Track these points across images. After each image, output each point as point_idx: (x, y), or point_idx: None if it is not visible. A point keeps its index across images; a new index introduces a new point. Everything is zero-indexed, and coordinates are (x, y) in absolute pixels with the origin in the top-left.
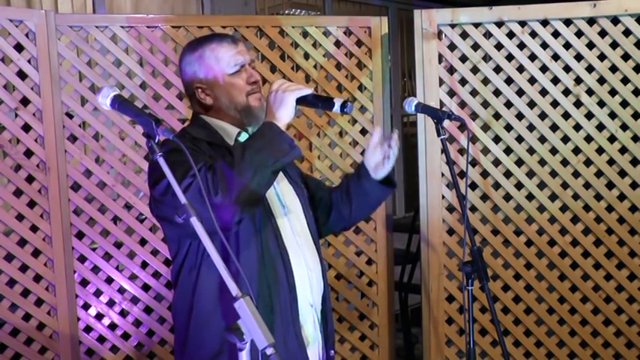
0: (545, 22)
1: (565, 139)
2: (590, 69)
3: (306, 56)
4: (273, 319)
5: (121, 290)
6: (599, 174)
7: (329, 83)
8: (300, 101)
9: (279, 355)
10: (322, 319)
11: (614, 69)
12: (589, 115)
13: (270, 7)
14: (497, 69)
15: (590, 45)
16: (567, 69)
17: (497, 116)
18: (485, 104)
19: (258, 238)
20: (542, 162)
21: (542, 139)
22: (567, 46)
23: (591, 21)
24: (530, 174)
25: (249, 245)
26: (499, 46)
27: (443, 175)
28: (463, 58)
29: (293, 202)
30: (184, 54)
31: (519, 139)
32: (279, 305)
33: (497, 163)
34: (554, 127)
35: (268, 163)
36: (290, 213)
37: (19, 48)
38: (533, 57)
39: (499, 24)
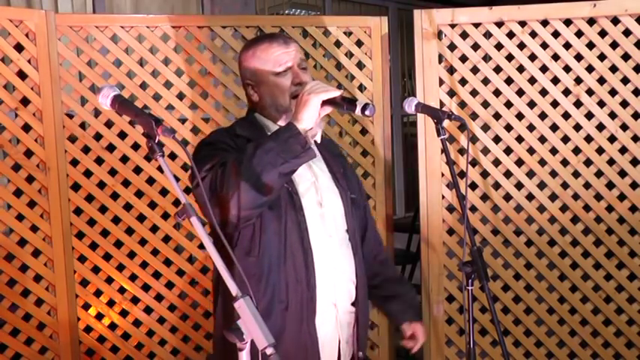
0: (545, 22)
1: (565, 139)
2: (590, 69)
3: (306, 56)
4: (286, 314)
5: (121, 290)
6: (599, 174)
7: (329, 83)
8: (329, 103)
9: (279, 355)
10: (354, 320)
11: (614, 69)
12: (589, 115)
13: (270, 7)
14: (497, 69)
15: (590, 45)
16: (567, 69)
17: (497, 116)
18: (485, 104)
19: (282, 234)
20: (542, 162)
21: (542, 139)
22: (567, 46)
23: (591, 21)
24: (530, 174)
25: (272, 239)
26: (499, 46)
27: (443, 175)
28: (463, 58)
29: (333, 203)
30: (242, 51)
31: (519, 139)
32: (295, 301)
33: (497, 163)
34: (554, 127)
35: (277, 164)
36: (327, 213)
37: (19, 48)
38: (533, 57)
39: (499, 24)
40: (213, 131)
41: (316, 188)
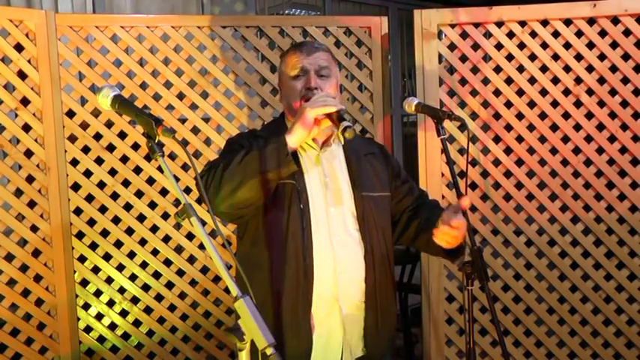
0: (545, 22)
1: (565, 139)
2: (590, 69)
3: None
4: (281, 302)
5: (121, 290)
6: (599, 174)
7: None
8: (329, 117)
9: (279, 354)
10: (364, 316)
11: (614, 69)
12: (589, 115)
13: (270, 7)
14: (498, 69)
15: (590, 45)
16: (567, 69)
17: (497, 116)
18: (485, 104)
19: (284, 229)
20: (542, 162)
21: (542, 139)
22: (567, 46)
23: (591, 21)
24: (530, 174)
25: (274, 233)
26: (499, 46)
27: (443, 175)
28: (463, 58)
29: (344, 204)
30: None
31: (519, 139)
32: (290, 291)
33: (497, 163)
34: (554, 127)
35: (258, 171)
36: (335, 213)
37: (19, 48)
38: (533, 57)
39: (499, 24)
40: (241, 132)
41: (327, 188)
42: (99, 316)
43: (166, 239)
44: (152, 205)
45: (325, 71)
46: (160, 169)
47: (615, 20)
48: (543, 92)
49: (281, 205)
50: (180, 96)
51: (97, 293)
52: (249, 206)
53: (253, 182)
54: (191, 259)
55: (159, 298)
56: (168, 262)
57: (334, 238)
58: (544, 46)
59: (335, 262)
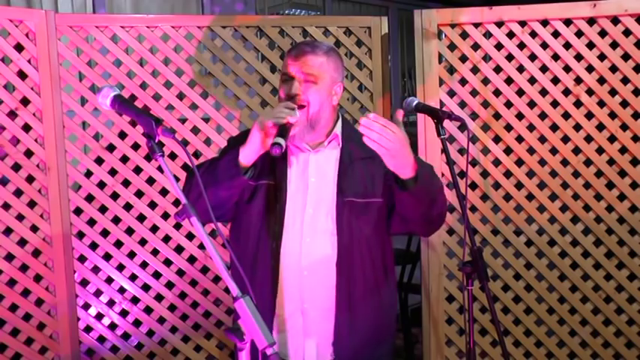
0: (545, 22)
1: (565, 139)
2: (590, 69)
3: None
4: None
5: (121, 290)
6: (599, 174)
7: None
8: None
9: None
10: (334, 324)
11: (614, 69)
12: (589, 115)
13: (270, 7)
14: (498, 69)
15: (590, 45)
16: (567, 69)
17: (497, 116)
18: (485, 104)
19: (259, 227)
20: (542, 162)
21: (542, 139)
22: (567, 46)
23: (591, 21)
24: (530, 174)
25: (250, 230)
26: (499, 46)
27: (443, 175)
28: (463, 58)
29: (323, 205)
30: None
31: (519, 139)
32: (255, 290)
33: (497, 163)
34: (554, 127)
35: (216, 181)
36: (311, 214)
37: (19, 48)
38: (533, 57)
39: (499, 24)
40: (242, 131)
41: (310, 189)
42: (99, 316)
43: (166, 239)
44: (152, 205)
45: (312, 77)
46: (160, 169)
47: (615, 20)
48: (543, 92)
49: (259, 205)
50: (181, 96)
51: (97, 293)
52: (218, 209)
53: (215, 190)
54: (191, 259)
55: (159, 298)
56: (168, 262)
57: (305, 240)
58: (544, 46)
59: (301, 264)
